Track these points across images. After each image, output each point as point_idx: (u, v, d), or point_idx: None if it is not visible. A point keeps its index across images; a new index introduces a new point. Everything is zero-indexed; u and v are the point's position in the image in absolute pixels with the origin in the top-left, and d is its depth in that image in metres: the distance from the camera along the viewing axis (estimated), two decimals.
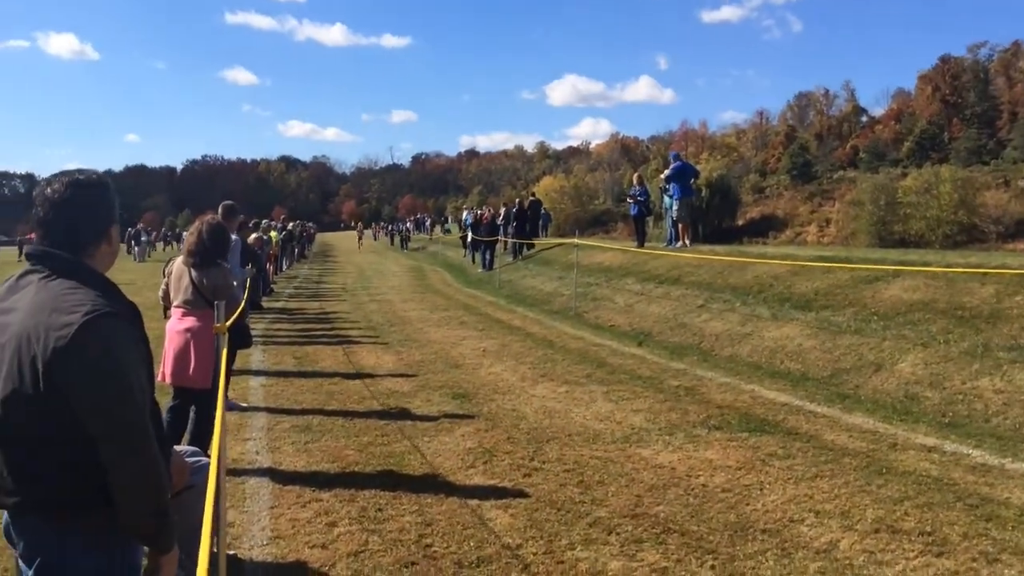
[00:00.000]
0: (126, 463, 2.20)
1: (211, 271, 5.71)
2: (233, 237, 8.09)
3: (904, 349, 8.34)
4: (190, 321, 5.62)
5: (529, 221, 27.83)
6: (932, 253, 14.02)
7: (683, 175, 17.09)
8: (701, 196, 22.93)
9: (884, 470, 5.55)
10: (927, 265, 10.32)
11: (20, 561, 2.35)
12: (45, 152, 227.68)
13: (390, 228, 67.61)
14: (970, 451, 5.95)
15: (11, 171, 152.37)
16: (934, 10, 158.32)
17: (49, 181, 2.39)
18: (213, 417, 5.53)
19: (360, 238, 57.65)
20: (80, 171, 2.43)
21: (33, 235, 2.47)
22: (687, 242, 17.24)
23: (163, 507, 2.30)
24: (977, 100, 66.45)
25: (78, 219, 2.35)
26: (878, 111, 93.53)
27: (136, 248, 41.56)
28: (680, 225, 17.30)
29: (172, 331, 5.68)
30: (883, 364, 8.25)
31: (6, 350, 2.22)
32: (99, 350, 2.16)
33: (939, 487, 5.19)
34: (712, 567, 4.14)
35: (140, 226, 45.94)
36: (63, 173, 2.40)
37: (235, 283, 7.88)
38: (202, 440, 5.50)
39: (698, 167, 22.19)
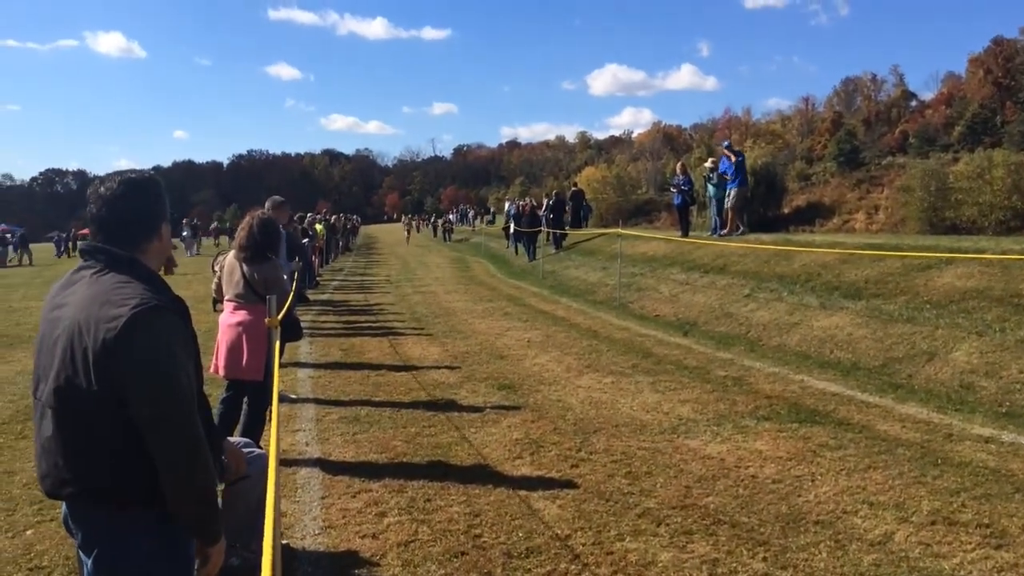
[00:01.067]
0: (172, 454, 2.25)
1: (262, 265, 5.78)
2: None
3: (958, 338, 8.16)
4: (242, 315, 5.70)
5: (571, 212, 27.78)
6: (985, 239, 13.68)
7: (743, 165, 17.51)
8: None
9: (939, 461, 5.45)
10: (981, 252, 10.09)
11: (79, 551, 2.41)
12: (95, 150, 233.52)
13: (433, 220, 67.43)
14: None
15: (63, 168, 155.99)
16: None
17: (103, 180, 2.46)
18: (265, 409, 5.63)
19: (408, 232, 53.11)
20: (133, 171, 2.52)
21: (85, 230, 2.53)
22: (740, 227, 17.36)
23: (209, 498, 2.35)
24: None
25: (131, 216, 2.42)
26: (928, 95, 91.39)
27: (183, 243, 42.26)
28: (731, 213, 17.38)
29: (224, 324, 5.76)
30: (937, 353, 8.08)
31: (59, 342, 2.29)
32: (147, 342, 2.22)
33: (997, 478, 5.08)
34: (764, 559, 4.10)
35: (184, 221, 46.59)
36: (117, 173, 2.48)
37: (284, 276, 7.99)
38: (254, 432, 5.59)
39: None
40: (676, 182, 19.35)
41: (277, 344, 4.68)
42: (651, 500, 4.96)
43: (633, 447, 6.04)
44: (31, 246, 41.58)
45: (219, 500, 3.18)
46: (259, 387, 5.58)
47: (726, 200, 17.51)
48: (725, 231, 17.15)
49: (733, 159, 17.38)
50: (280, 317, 5.28)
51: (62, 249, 45.38)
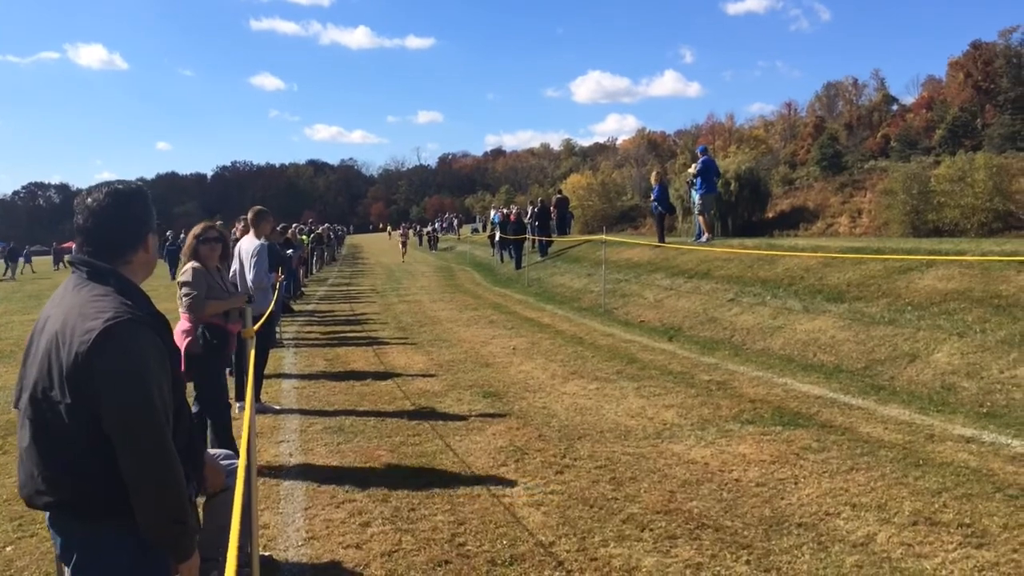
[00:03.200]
0: (141, 470, 2.22)
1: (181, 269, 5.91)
2: (262, 241, 8.15)
3: (939, 339, 8.22)
4: (179, 323, 5.72)
5: (556, 219, 27.85)
6: (967, 242, 13.78)
7: (708, 172, 17.43)
8: (730, 190, 22.78)
9: (921, 462, 5.48)
10: (961, 254, 10.16)
11: (58, 559, 2.40)
12: (78, 162, 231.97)
13: (419, 229, 67.18)
14: (1009, 441, 5.85)
15: (45, 181, 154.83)
16: None
17: (90, 191, 2.46)
18: (217, 418, 5.63)
19: (403, 246, 43.53)
20: (120, 182, 2.50)
21: (66, 244, 2.53)
22: (710, 235, 17.45)
23: (179, 516, 2.31)
24: (1010, 85, 64.94)
25: (117, 227, 2.42)
26: (909, 99, 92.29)
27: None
28: (702, 219, 17.45)
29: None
30: (918, 355, 8.13)
31: (40, 354, 2.30)
32: (119, 355, 2.20)
33: (978, 478, 5.11)
34: (747, 562, 4.10)
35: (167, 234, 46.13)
36: (104, 183, 2.47)
37: (265, 286, 7.97)
38: (224, 442, 5.56)
39: (719, 163, 22.24)
40: (653, 193, 19.53)
41: (252, 354, 4.64)
42: (635, 505, 4.96)
43: (617, 453, 6.05)
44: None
45: (200, 514, 3.17)
46: (200, 397, 5.57)
47: (696, 207, 17.65)
48: (703, 238, 17.30)
49: (698, 157, 17.56)
50: (256, 328, 5.26)
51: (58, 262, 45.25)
